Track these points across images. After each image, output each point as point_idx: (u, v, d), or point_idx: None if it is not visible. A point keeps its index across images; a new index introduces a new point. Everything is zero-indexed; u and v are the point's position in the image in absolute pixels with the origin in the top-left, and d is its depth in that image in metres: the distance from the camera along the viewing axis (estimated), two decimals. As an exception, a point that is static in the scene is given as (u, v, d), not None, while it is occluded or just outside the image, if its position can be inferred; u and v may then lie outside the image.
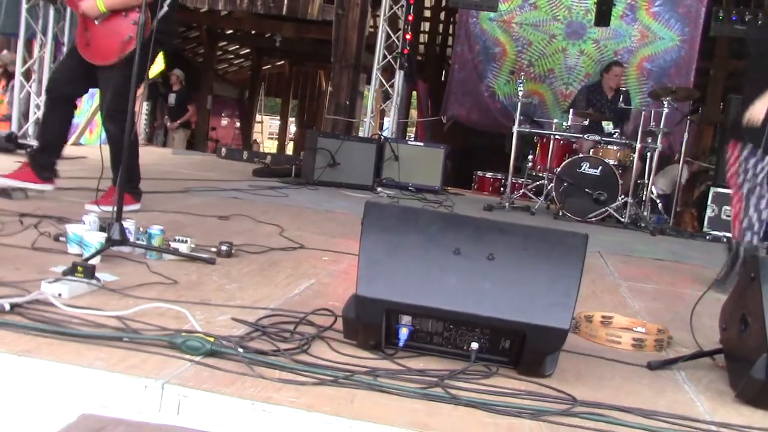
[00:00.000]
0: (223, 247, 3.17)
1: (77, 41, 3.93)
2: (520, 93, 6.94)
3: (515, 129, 7.01)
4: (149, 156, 6.53)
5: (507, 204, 6.87)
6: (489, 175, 8.74)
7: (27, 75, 6.60)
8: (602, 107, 7.23)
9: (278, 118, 23.28)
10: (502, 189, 8.40)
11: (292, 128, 23.29)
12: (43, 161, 4.11)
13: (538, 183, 7.31)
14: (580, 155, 6.73)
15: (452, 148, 9.72)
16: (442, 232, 2.10)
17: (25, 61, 6.56)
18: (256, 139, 20.75)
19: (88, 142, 9.09)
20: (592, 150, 6.81)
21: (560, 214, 6.53)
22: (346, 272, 3.21)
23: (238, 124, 20.11)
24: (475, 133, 10.70)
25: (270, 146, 24.04)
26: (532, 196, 7.28)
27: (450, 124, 10.51)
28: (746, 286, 2.15)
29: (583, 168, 6.56)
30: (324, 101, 21.93)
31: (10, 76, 7.78)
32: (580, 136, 6.88)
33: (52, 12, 6.38)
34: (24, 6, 6.27)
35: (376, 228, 2.12)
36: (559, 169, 6.65)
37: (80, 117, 9.82)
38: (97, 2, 3.81)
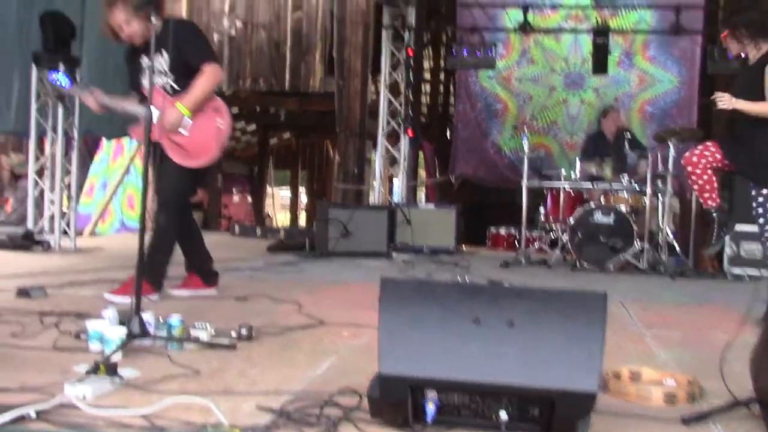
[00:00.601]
0: (243, 331, 3.16)
1: (180, 160, 3.88)
2: (526, 147, 7.00)
3: (524, 183, 7.04)
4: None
5: (523, 259, 6.85)
6: (502, 230, 8.75)
7: (39, 173, 6.71)
8: (608, 153, 7.25)
9: (288, 189, 23.48)
10: (516, 244, 8.39)
11: (303, 198, 23.45)
12: (208, 267, 4.26)
13: (552, 235, 7.30)
14: (592, 204, 6.73)
15: (463, 205, 9.78)
16: (459, 301, 2.10)
17: (37, 159, 6.67)
18: (268, 213, 20.91)
19: (102, 231, 9.20)
20: (603, 198, 6.81)
21: (577, 265, 6.50)
22: (368, 346, 3.19)
23: (249, 199, 20.29)
24: (484, 188, 10.77)
25: (282, 218, 24.22)
26: (548, 249, 7.26)
27: (459, 181, 10.58)
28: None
29: (595, 217, 6.56)
30: (332, 170, 22.22)
31: (17, 178, 7.95)
32: (589, 185, 6.89)
33: (61, 109, 6.51)
34: (34, 105, 6.41)
35: (393, 304, 2.12)
36: (572, 220, 6.65)
37: (91, 207, 9.98)
38: (179, 110, 3.79)
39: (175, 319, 3.02)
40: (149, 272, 3.85)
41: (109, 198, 8.78)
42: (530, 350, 2.00)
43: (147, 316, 2.96)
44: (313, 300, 4.34)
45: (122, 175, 8.78)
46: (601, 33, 8.16)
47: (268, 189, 21.44)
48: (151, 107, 3.61)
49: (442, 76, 15.96)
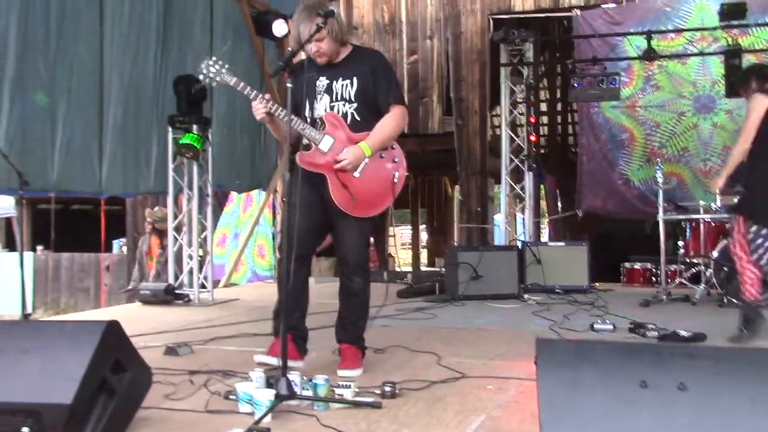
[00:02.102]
0: (387, 388, 3.13)
1: (340, 201, 3.49)
2: (660, 180, 6.71)
3: (660, 217, 6.73)
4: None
5: (664, 297, 6.51)
6: (638, 265, 8.36)
7: (177, 229, 7.01)
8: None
9: (409, 227, 23.59)
10: (653, 279, 8.00)
11: (424, 236, 23.48)
12: (302, 331, 3.72)
13: (693, 269, 6.92)
14: (736, 235, 6.33)
15: (588, 237, 9.46)
16: (621, 363, 1.99)
17: (175, 216, 6.98)
18: (390, 253, 21.04)
19: (235, 280, 9.50)
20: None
21: (725, 301, 6.10)
22: (516, 402, 3.08)
23: (372, 240, 20.51)
24: (608, 219, 10.40)
25: (404, 256, 24.30)
26: (689, 284, 6.87)
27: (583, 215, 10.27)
28: None
29: (741, 248, 6.15)
30: (451, 207, 22.20)
31: (159, 233, 8.32)
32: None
33: (195, 168, 6.80)
34: (171, 165, 6.72)
35: (551, 366, 2.03)
36: (715, 253, 6.28)
37: (224, 258, 10.35)
38: (363, 149, 3.47)
39: (320, 379, 3.02)
40: (355, 338, 3.69)
41: (242, 249, 9.06)
42: (707, 417, 1.85)
43: (293, 376, 2.98)
44: (451, 350, 4.26)
45: (253, 225, 9.06)
46: (733, 54, 7.74)
47: (390, 230, 21.60)
48: (327, 135, 3.49)
49: (559, 106, 15.68)
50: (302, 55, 3.58)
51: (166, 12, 6.73)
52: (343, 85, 3.54)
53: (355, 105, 3.53)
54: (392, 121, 3.54)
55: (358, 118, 3.53)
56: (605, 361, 1.97)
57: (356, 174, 3.49)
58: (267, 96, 3.47)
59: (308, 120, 3.56)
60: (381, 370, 3.66)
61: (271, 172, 8.75)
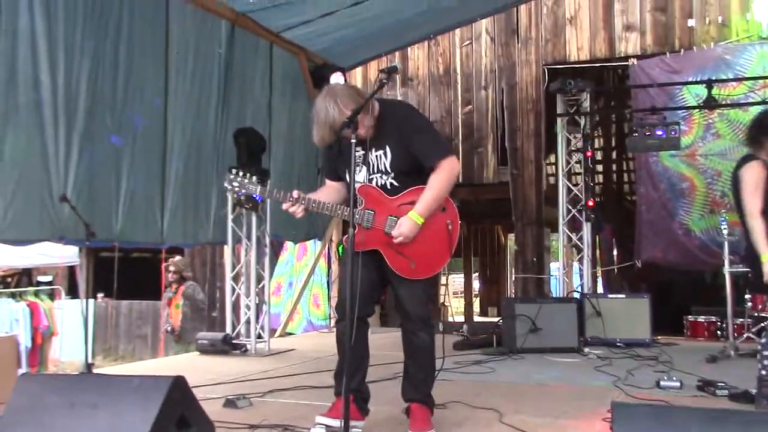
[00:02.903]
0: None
1: (400, 269, 3.44)
2: (725, 231, 6.54)
3: (727, 270, 6.55)
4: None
5: (732, 352, 6.29)
6: (702, 318, 8.12)
7: (235, 278, 7.07)
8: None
9: (461, 275, 23.43)
10: (719, 333, 7.75)
11: (476, 284, 23.28)
12: (364, 392, 3.61)
13: (761, 323, 6.67)
14: (807, 288, 6.11)
15: (647, 287, 9.24)
16: (704, 430, 1.90)
17: (234, 266, 7.05)
18: (443, 302, 20.88)
19: (291, 329, 9.51)
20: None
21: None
22: (586, 465, 2.98)
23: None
24: (666, 269, 10.15)
25: (456, 304, 24.09)
26: (757, 339, 6.62)
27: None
28: None
29: (813, 302, 5.95)
30: (504, 255, 22.01)
31: (184, 280, 8.43)
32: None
33: (254, 218, 6.88)
34: (230, 216, 6.82)
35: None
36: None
37: (279, 306, 10.39)
38: (414, 220, 3.37)
39: (382, 437, 2.98)
40: (425, 396, 3.59)
41: (297, 298, 9.09)
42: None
43: (355, 435, 2.94)
44: (513, 407, 4.17)
45: (308, 275, 9.10)
46: (797, 102, 7.59)
47: (442, 278, 21.48)
48: (366, 211, 3.42)
49: (614, 155, 15.52)
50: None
51: (228, 67, 6.90)
52: (377, 156, 3.47)
53: (392, 175, 3.46)
54: (440, 179, 3.41)
55: (397, 184, 3.47)
56: (687, 428, 1.89)
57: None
58: (294, 194, 3.39)
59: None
60: (442, 428, 3.60)
61: (326, 222, 8.81)
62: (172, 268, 8.59)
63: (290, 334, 9.07)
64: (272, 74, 7.62)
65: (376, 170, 3.48)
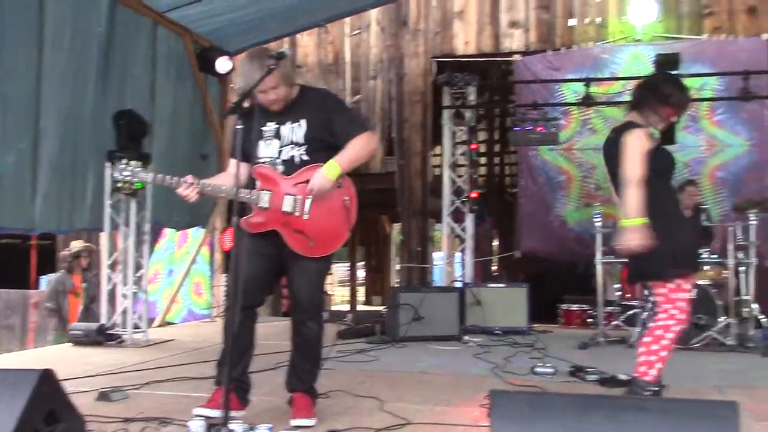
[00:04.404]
0: (332, 437, 3.06)
1: (299, 248, 3.39)
2: (598, 223, 6.85)
3: (598, 260, 6.86)
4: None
5: (602, 339, 6.61)
6: (575, 307, 8.50)
7: (112, 266, 6.80)
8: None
9: (346, 264, 23.53)
10: (590, 320, 8.13)
11: (361, 273, 23.44)
12: (245, 383, 3.56)
13: (629, 311, 7.05)
14: (671, 279, 6.49)
15: (525, 278, 9.58)
16: (577, 417, 1.97)
17: (110, 254, 6.77)
18: (326, 290, 20.91)
19: (170, 319, 9.23)
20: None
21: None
22: (464, 451, 3.04)
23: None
24: (543, 259, 10.55)
25: (341, 293, 24.19)
26: (626, 326, 6.99)
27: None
28: None
29: (676, 292, 6.30)
30: (389, 245, 22.23)
31: (82, 269, 8.06)
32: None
33: (134, 204, 6.63)
34: (107, 202, 6.53)
35: (505, 420, 2.00)
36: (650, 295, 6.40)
37: (157, 294, 10.07)
38: (326, 173, 3.31)
39: (263, 428, 2.94)
40: (309, 387, 3.59)
41: (178, 287, 8.83)
42: (661, 472, 1.85)
43: (235, 426, 2.89)
44: (395, 395, 4.21)
45: (190, 263, 8.85)
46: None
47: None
48: (262, 192, 3.38)
49: (497, 148, 15.96)
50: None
51: (108, 46, 6.58)
52: (291, 128, 3.45)
53: (305, 147, 3.43)
54: (360, 144, 3.38)
55: (307, 158, 3.43)
56: (561, 414, 1.96)
57: (305, 217, 3.37)
58: (189, 179, 3.34)
59: (257, 163, 3.45)
60: (324, 417, 3.59)
61: (210, 210, 8.60)
62: (85, 253, 8.18)
63: (170, 323, 8.81)
64: (155, 55, 7.33)
65: (288, 142, 3.45)
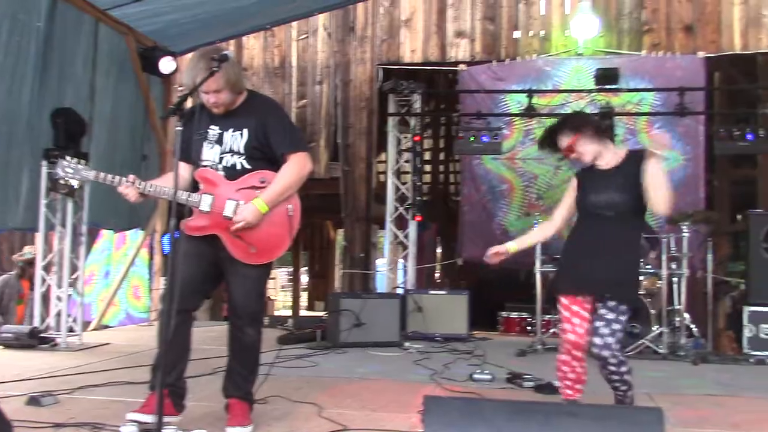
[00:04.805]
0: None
1: (239, 254, 3.37)
2: (538, 232, 6.95)
3: (537, 269, 6.97)
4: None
5: (540, 346, 6.72)
6: (515, 315, 8.62)
7: (46, 268, 6.62)
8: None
9: (289, 269, 23.38)
10: (529, 328, 8.25)
11: (304, 278, 23.34)
12: (180, 388, 3.48)
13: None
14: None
15: (467, 285, 9.67)
16: (510, 422, 2.01)
17: (45, 255, 6.60)
18: (269, 296, 20.73)
19: (106, 322, 9.03)
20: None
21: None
22: (399, 457, 3.06)
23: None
24: (485, 267, 10.67)
25: (284, 298, 24.03)
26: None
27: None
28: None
29: (611, 301, 6.45)
30: (333, 250, 22.18)
31: (31, 275, 7.83)
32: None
33: (70, 204, 6.48)
34: (43, 201, 6.37)
35: (438, 425, 2.02)
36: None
37: (92, 296, 9.83)
38: (257, 207, 3.31)
39: (198, 434, 2.90)
40: (245, 394, 3.51)
41: (116, 289, 8.66)
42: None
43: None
44: (333, 401, 4.21)
45: (128, 265, 8.69)
46: (606, 115, 8.21)
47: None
48: (204, 195, 3.34)
49: (441, 156, 16.11)
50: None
51: (47, 43, 6.43)
52: (233, 136, 3.42)
53: (244, 156, 3.41)
54: (291, 172, 3.39)
55: (248, 167, 3.42)
56: (493, 419, 1.98)
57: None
58: (131, 178, 3.33)
59: (199, 166, 3.42)
60: (261, 423, 3.56)
61: (150, 212, 8.45)
62: (19, 260, 7.97)
63: (107, 326, 8.63)
64: (96, 53, 7.17)
65: (229, 149, 3.42)
